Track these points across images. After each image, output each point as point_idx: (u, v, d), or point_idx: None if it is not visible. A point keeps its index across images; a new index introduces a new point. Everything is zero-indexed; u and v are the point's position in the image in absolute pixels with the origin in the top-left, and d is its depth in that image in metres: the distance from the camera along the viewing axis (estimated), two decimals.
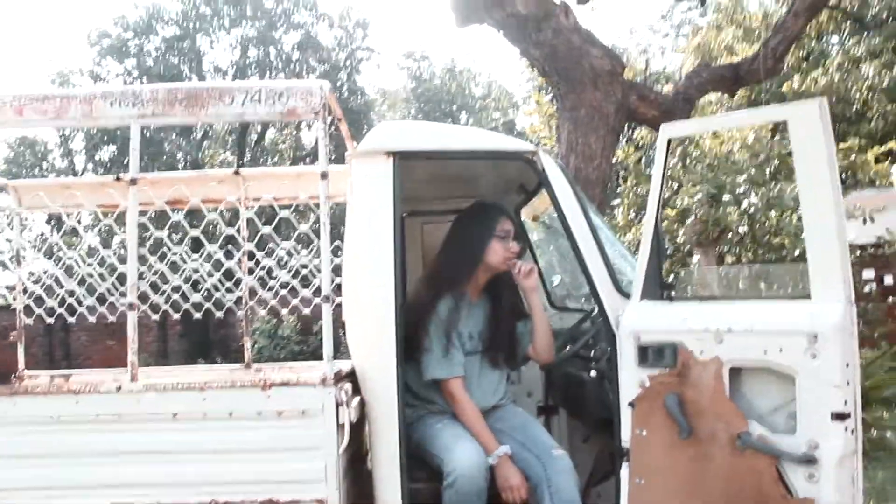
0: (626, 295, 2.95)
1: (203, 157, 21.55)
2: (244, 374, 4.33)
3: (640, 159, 10.61)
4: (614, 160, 7.39)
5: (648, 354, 2.80)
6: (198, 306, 4.34)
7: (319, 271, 3.15)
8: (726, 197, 8.36)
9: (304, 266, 4.36)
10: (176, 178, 4.20)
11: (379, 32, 48.45)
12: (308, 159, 22.09)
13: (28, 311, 4.23)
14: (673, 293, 2.93)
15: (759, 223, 8.44)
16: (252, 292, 4.42)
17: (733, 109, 12.96)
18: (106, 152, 21.40)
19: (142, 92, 2.96)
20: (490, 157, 3.42)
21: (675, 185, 9.02)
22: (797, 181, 2.66)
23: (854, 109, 13.00)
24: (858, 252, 9.22)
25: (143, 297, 3.34)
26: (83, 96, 2.98)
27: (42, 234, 19.61)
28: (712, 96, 11.55)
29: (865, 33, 14.62)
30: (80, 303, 4.28)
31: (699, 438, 2.69)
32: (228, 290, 4.39)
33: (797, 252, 7.60)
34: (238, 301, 4.46)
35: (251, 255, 4.34)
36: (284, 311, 4.81)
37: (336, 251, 3.55)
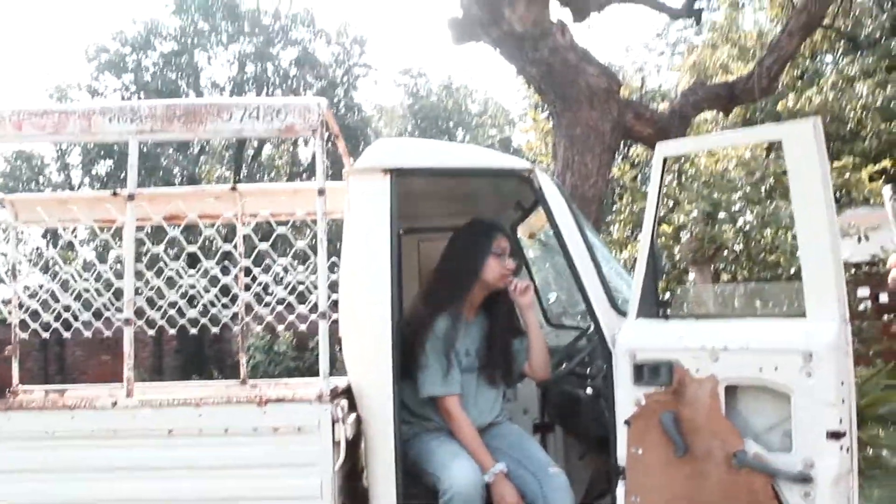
0: (622, 313, 2.96)
1: (200, 173, 21.56)
2: (240, 391, 4.31)
3: (635, 177, 10.66)
4: (610, 177, 7.42)
5: (644, 372, 2.80)
6: (194, 322, 4.34)
7: (316, 287, 3.15)
8: (722, 215, 8.40)
9: (301, 282, 4.36)
10: (173, 194, 4.21)
11: (376, 49, 48.65)
12: (304, 175, 22.11)
13: (23, 325, 4.22)
14: (669, 311, 2.94)
15: (755, 241, 8.48)
16: (248, 308, 4.42)
17: (728, 127, 13.03)
18: (102, 167, 21.40)
19: (140, 108, 2.97)
20: (487, 174, 3.44)
21: (671, 203, 9.05)
22: (792, 200, 2.68)
23: (848, 128, 13.06)
24: (853, 270, 9.25)
25: (139, 313, 3.33)
26: (82, 112, 2.99)
27: (38, 249, 19.57)
28: (708, 114, 11.62)
29: (859, 53, 14.72)
30: (76, 318, 4.27)
31: (695, 456, 2.70)
32: (225, 306, 4.38)
33: (792, 270, 7.62)
34: (234, 317, 4.45)
35: (248, 271, 4.34)
36: (280, 328, 4.80)
37: (333, 267, 3.56)
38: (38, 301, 4.29)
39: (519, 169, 3.23)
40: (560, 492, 3.05)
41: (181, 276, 4.28)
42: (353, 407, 3.00)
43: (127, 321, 2.89)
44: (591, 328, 3.15)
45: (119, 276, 3.27)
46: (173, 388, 4.34)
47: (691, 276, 8.88)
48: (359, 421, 3.00)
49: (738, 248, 8.61)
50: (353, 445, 2.96)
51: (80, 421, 2.80)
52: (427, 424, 3.24)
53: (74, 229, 4.41)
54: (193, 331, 4.38)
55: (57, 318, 4.30)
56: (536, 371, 3.36)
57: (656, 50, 21.45)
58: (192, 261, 4.34)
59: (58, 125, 2.95)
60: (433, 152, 3.54)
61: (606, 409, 2.94)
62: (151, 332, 4.46)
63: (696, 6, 8.70)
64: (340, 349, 3.31)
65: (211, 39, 21.64)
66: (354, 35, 23.23)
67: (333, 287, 3.34)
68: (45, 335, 4.37)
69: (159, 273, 4.26)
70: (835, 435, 2.48)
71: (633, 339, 2.85)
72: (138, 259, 3.18)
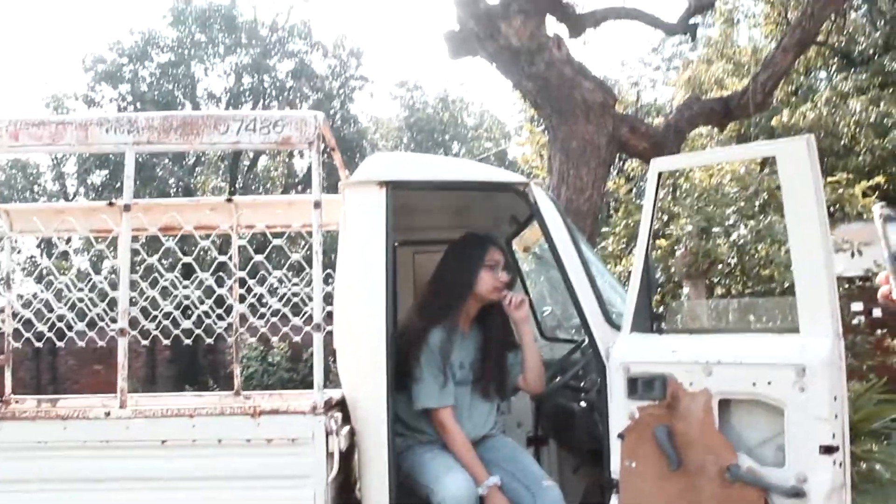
0: (616, 326, 2.97)
1: (195, 183, 21.56)
2: (234, 402, 4.31)
3: (630, 190, 10.69)
4: (605, 191, 7.44)
5: (638, 386, 2.80)
6: (188, 333, 4.33)
7: (311, 299, 3.15)
8: (716, 229, 8.42)
9: (296, 294, 4.37)
10: (169, 205, 4.21)
11: (372, 62, 48.77)
12: (300, 187, 22.12)
13: (16, 334, 4.21)
14: (663, 325, 2.95)
15: (749, 255, 8.49)
16: (243, 319, 4.42)
17: (723, 142, 13.09)
18: (98, 176, 21.36)
19: (137, 119, 2.98)
20: (482, 188, 3.45)
21: (666, 218, 9.08)
22: (786, 216, 2.70)
23: (842, 144, 13.10)
24: (847, 285, 9.27)
25: (133, 323, 3.33)
26: (79, 122, 2.99)
27: (32, 258, 19.54)
28: (702, 129, 11.66)
29: (852, 69, 14.80)
30: (69, 327, 4.27)
31: (688, 470, 2.70)
32: (219, 317, 4.38)
33: (786, 284, 7.63)
34: (228, 328, 4.45)
35: (242, 283, 4.34)
36: (275, 339, 4.80)
37: (327, 279, 3.56)
38: (31, 310, 4.28)
39: (514, 183, 3.25)
40: None
41: (176, 287, 4.28)
42: (346, 419, 3.00)
43: (121, 331, 2.89)
44: (586, 341, 3.15)
45: (113, 286, 3.27)
46: (167, 398, 4.33)
47: (685, 290, 8.90)
48: (352, 433, 2.99)
49: (732, 262, 8.63)
50: (347, 457, 2.96)
51: (72, 431, 2.79)
52: (421, 437, 3.24)
53: (69, 239, 4.42)
54: (187, 341, 4.38)
55: (51, 328, 4.29)
56: (531, 385, 3.36)
57: (652, 65, 21.55)
58: (187, 271, 4.34)
59: (55, 135, 2.96)
60: (429, 166, 3.57)
61: (600, 423, 2.95)
62: (145, 343, 4.45)
63: (692, 22, 8.75)
64: (335, 361, 3.32)
65: (208, 51, 21.65)
66: (351, 47, 23.26)
67: (328, 299, 3.34)
68: (39, 344, 4.36)
69: (154, 283, 4.26)
70: (828, 449, 2.48)
71: (627, 352, 2.86)
72: (133, 269, 3.18)
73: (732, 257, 8.57)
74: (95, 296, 4.29)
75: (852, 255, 8.25)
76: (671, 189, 9.44)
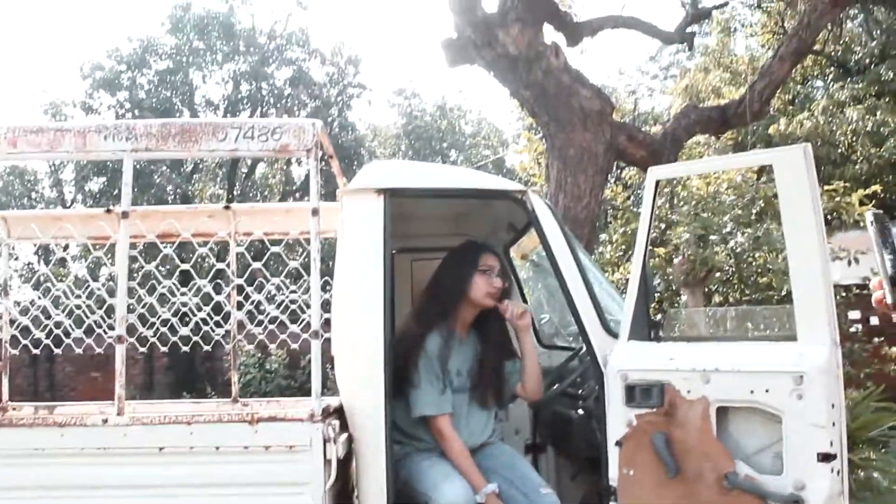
0: (614, 334, 2.97)
1: (193, 191, 21.54)
2: (231, 409, 4.30)
3: (628, 198, 10.71)
4: (602, 199, 7.45)
5: (636, 394, 2.81)
6: (186, 340, 4.33)
7: (308, 306, 3.15)
8: (713, 237, 8.43)
9: (294, 301, 4.37)
10: (167, 212, 4.22)
11: (370, 69, 48.85)
12: (298, 194, 22.11)
13: (14, 341, 4.21)
14: (660, 333, 2.95)
15: (746, 263, 8.51)
16: (240, 326, 4.42)
17: (720, 150, 13.13)
18: (96, 183, 21.35)
19: (136, 126, 2.98)
20: (480, 196, 3.46)
21: (663, 226, 9.09)
22: (783, 225, 2.70)
23: (839, 153, 13.14)
24: (844, 293, 9.27)
25: (130, 330, 3.32)
26: (77, 129, 3.00)
27: (29, 264, 19.51)
28: (700, 137, 11.69)
29: (849, 79, 14.86)
30: (67, 334, 4.26)
31: (686, 478, 2.70)
32: (217, 324, 4.38)
33: (784, 292, 7.64)
34: (226, 335, 4.45)
35: (240, 290, 4.34)
36: (273, 346, 4.80)
37: (325, 286, 3.56)
38: (28, 317, 4.28)
39: (511, 190, 3.25)
40: None
41: (174, 294, 4.28)
42: (344, 426, 3.00)
43: (119, 338, 2.89)
44: (583, 349, 3.16)
45: (111, 293, 3.27)
46: (164, 405, 4.32)
47: (683, 297, 8.90)
48: (350, 440, 2.99)
49: (729, 270, 8.64)
50: (345, 465, 2.96)
51: (70, 438, 2.79)
52: (418, 444, 3.24)
53: (66, 246, 4.42)
54: (185, 348, 4.37)
55: (48, 335, 4.29)
56: (530, 392, 3.37)
57: (649, 73, 21.60)
58: (185, 278, 4.34)
59: (53, 142, 2.96)
60: (426, 173, 3.57)
61: (598, 430, 2.95)
62: (143, 350, 4.45)
63: (689, 31, 8.79)
64: (333, 368, 3.31)
65: (206, 58, 21.67)
66: (349, 55, 23.26)
67: (326, 306, 3.34)
68: (36, 351, 4.36)
69: (152, 290, 4.26)
70: (826, 457, 2.49)
71: (625, 360, 2.86)
72: (131, 276, 3.18)
73: (730, 265, 8.58)
74: (93, 303, 4.29)
75: (849, 263, 8.25)
76: (669, 197, 9.45)
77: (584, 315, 3.02)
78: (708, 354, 2.76)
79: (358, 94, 23.63)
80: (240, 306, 4.35)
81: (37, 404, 4.31)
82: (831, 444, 2.49)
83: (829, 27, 9.39)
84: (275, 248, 3.70)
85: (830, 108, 13.42)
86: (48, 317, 4.26)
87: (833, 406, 2.51)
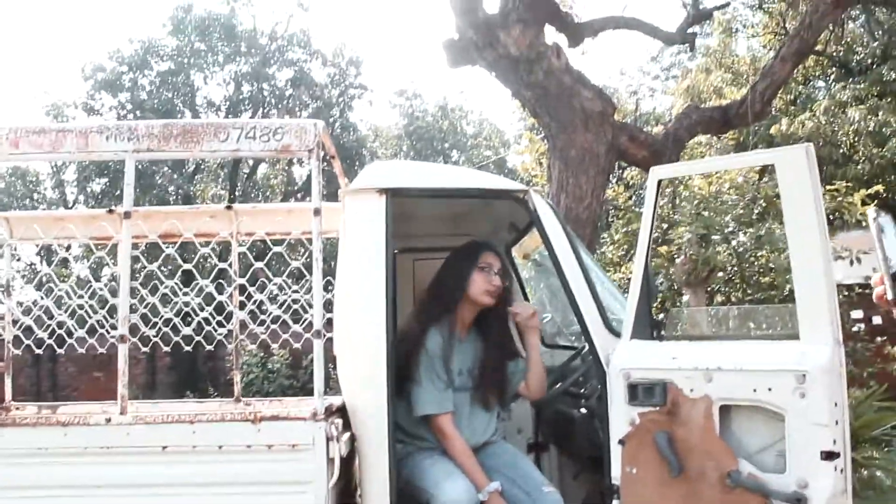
0: (616, 333, 2.97)
1: (195, 191, 21.55)
2: (234, 408, 4.31)
3: (630, 198, 10.71)
4: (604, 199, 7.45)
5: (638, 392, 2.81)
6: (188, 339, 4.33)
7: (311, 306, 3.15)
8: (715, 236, 8.44)
9: (296, 301, 4.37)
10: (169, 212, 4.22)
11: (372, 70, 48.87)
12: (300, 194, 22.12)
13: (17, 341, 4.21)
14: (662, 332, 2.96)
15: (748, 262, 8.50)
16: (243, 326, 4.42)
17: (722, 150, 13.12)
18: (97, 184, 21.36)
19: (138, 127, 2.98)
20: (481, 195, 3.46)
21: (665, 225, 9.09)
22: (785, 224, 2.71)
23: (841, 153, 13.13)
24: (846, 292, 9.27)
25: (133, 330, 3.32)
26: (79, 130, 3.00)
27: (32, 265, 19.52)
28: (701, 137, 11.68)
29: (851, 79, 14.84)
30: (70, 334, 4.27)
31: (689, 476, 2.70)
32: (219, 324, 4.38)
33: (786, 291, 7.64)
34: (228, 335, 4.45)
35: (242, 289, 4.34)
36: (275, 346, 4.81)
37: (327, 286, 3.56)
38: (31, 318, 4.29)
39: (513, 190, 3.26)
40: None
41: (176, 294, 4.28)
42: (347, 425, 3.00)
43: (121, 338, 2.89)
44: (586, 348, 3.16)
45: (113, 293, 3.27)
46: (167, 405, 4.32)
47: (685, 297, 8.90)
48: (353, 439, 2.99)
49: (731, 269, 8.64)
50: (347, 463, 2.96)
51: (73, 438, 2.79)
52: (421, 444, 3.24)
53: (69, 246, 4.43)
54: (188, 348, 4.38)
55: (51, 335, 4.30)
56: (533, 391, 3.37)
57: (651, 74, 21.57)
58: (187, 278, 4.34)
59: (55, 143, 2.96)
60: (428, 173, 3.58)
61: (601, 429, 2.95)
62: (146, 350, 4.45)
63: (690, 31, 8.79)
64: (335, 367, 3.32)
65: (207, 59, 21.67)
66: (350, 56, 23.27)
67: (328, 306, 3.35)
68: (39, 351, 4.37)
69: (154, 290, 4.26)
70: (829, 455, 2.48)
71: (628, 359, 2.87)
72: (133, 276, 3.18)
73: (732, 265, 8.58)
74: (95, 303, 4.29)
75: (851, 262, 8.25)
76: (671, 197, 9.45)
77: (587, 314, 3.02)
78: (710, 353, 2.76)
79: (359, 94, 23.64)
80: (242, 306, 4.35)
81: (40, 404, 4.32)
82: (834, 442, 2.49)
83: (831, 28, 9.39)
84: (277, 248, 3.70)
85: (832, 108, 13.41)
86: (51, 317, 4.27)
87: (836, 405, 2.51)
